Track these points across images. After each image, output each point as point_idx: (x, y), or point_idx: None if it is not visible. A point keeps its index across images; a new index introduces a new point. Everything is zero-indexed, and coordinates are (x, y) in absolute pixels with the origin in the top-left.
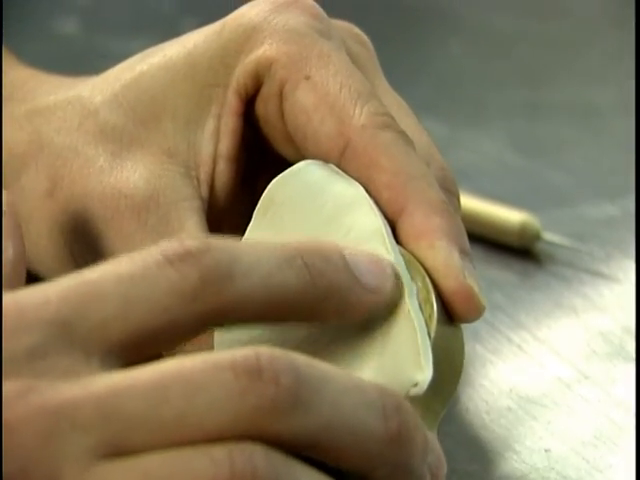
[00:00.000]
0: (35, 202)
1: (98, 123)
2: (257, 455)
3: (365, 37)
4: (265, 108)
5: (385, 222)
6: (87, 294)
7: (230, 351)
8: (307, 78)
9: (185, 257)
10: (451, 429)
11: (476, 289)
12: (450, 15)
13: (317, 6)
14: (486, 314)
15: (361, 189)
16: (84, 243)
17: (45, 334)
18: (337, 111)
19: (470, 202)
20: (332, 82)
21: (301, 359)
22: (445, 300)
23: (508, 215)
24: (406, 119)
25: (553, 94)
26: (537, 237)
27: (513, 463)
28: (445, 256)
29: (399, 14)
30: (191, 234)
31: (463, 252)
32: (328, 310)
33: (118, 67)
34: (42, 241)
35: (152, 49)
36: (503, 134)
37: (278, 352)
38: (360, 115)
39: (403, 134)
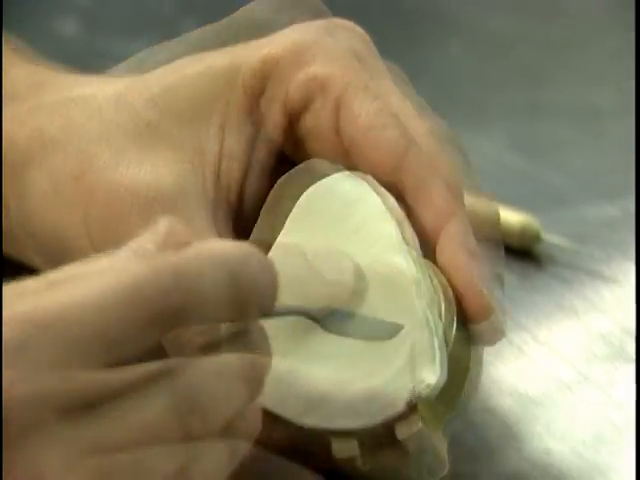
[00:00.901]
0: (61, 185)
1: (132, 119)
2: None
3: (405, 76)
4: (316, 121)
5: (414, 234)
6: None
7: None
8: (366, 88)
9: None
10: (452, 429)
11: (500, 315)
12: (449, 16)
13: (364, 32)
14: None
15: (393, 201)
16: (107, 233)
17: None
18: (401, 118)
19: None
20: (393, 94)
21: None
22: (467, 317)
23: (508, 216)
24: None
25: (553, 95)
26: (537, 238)
27: (514, 464)
28: (479, 274)
29: (398, 15)
30: (217, 235)
31: (496, 275)
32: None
33: (159, 70)
34: (62, 224)
35: (188, 58)
36: (503, 135)
37: None
38: (424, 124)
39: (462, 151)
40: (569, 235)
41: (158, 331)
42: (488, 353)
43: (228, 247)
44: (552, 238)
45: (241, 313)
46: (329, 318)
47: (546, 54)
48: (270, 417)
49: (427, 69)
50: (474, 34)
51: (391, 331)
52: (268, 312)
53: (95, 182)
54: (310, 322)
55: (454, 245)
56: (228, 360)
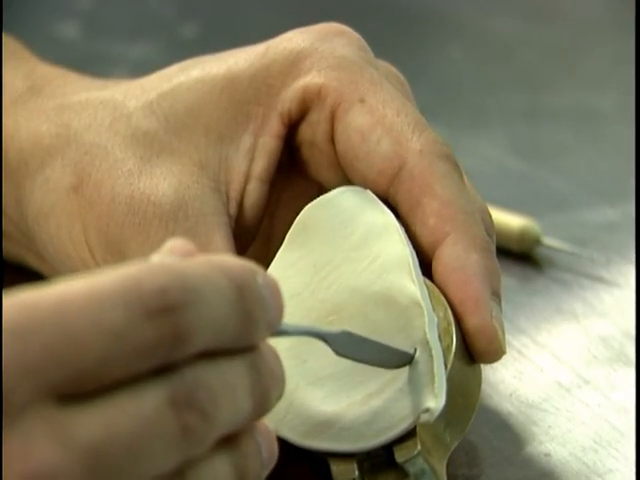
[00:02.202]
0: (59, 195)
1: (130, 126)
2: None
3: (402, 77)
4: (313, 132)
5: (413, 252)
6: (68, 347)
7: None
8: (362, 101)
9: (163, 312)
10: None
11: (500, 333)
12: (450, 19)
13: (362, 39)
14: None
15: (392, 218)
16: (106, 244)
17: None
18: (395, 133)
19: None
20: (388, 106)
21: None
22: (467, 337)
23: (508, 220)
24: None
25: (553, 99)
26: (537, 242)
27: (513, 467)
28: (476, 293)
29: (399, 18)
30: (218, 248)
31: (495, 294)
32: (247, 340)
33: (155, 75)
34: (61, 235)
35: (190, 61)
36: (503, 139)
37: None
38: (418, 140)
39: (458, 167)
40: (569, 239)
41: (156, 328)
42: None
43: (232, 260)
44: (552, 241)
45: (247, 328)
46: (341, 341)
47: (547, 58)
48: None
49: (428, 72)
50: (475, 38)
51: (403, 359)
52: (276, 330)
53: (94, 193)
54: (308, 341)
55: (448, 269)
56: (233, 365)
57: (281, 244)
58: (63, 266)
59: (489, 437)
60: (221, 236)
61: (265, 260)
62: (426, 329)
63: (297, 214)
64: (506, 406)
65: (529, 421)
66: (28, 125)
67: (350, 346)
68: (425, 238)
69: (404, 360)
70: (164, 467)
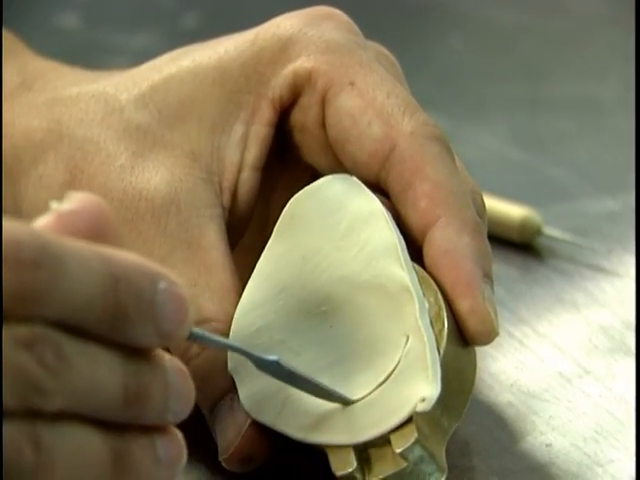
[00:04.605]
0: (52, 192)
1: (122, 120)
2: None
3: (392, 57)
4: (304, 117)
5: (401, 238)
6: None
7: None
8: (352, 84)
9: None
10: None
11: (492, 314)
12: (451, 10)
13: (351, 21)
14: None
15: (378, 204)
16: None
17: None
18: (385, 116)
19: None
20: (378, 89)
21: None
22: (459, 320)
23: (509, 210)
24: None
25: (554, 89)
26: (538, 232)
27: (514, 458)
28: (468, 275)
29: (400, 9)
30: (211, 242)
31: (486, 276)
32: (119, 334)
33: (145, 66)
34: None
35: (180, 51)
36: (504, 129)
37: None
38: (409, 122)
39: (450, 149)
40: (570, 228)
41: (6, 278)
42: (488, 346)
43: (128, 257)
44: (553, 231)
45: (117, 320)
46: (270, 369)
47: (548, 48)
48: (268, 431)
49: (429, 62)
50: (476, 28)
51: (337, 400)
52: (197, 338)
53: (87, 189)
54: (301, 333)
55: (439, 251)
56: (102, 350)
57: None
58: None
59: (490, 427)
60: (214, 229)
61: (261, 246)
62: (417, 315)
63: None
64: (507, 396)
65: (530, 411)
66: (20, 121)
67: (279, 375)
68: (416, 221)
69: (340, 401)
70: (7, 401)
